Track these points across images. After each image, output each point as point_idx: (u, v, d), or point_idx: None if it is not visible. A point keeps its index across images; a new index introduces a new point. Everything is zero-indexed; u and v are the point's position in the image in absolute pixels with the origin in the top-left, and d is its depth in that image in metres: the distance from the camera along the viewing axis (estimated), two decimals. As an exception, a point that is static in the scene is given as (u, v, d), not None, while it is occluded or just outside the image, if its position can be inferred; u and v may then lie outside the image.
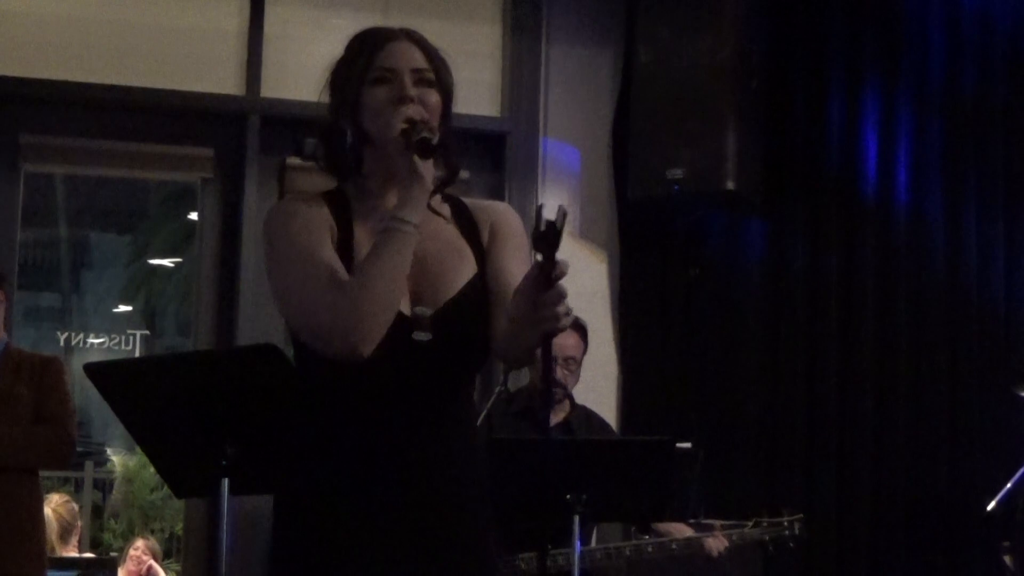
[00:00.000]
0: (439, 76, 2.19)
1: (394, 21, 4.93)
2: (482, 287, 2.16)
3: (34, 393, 4.03)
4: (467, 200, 2.30)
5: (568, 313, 1.90)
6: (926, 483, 5.17)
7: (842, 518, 5.08)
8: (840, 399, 5.16)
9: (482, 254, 2.19)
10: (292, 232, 2.13)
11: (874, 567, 5.09)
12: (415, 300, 2.14)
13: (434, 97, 2.17)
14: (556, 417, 4.14)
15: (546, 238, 1.82)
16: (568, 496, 3.46)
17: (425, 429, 2.12)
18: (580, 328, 4.19)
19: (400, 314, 2.09)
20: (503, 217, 2.25)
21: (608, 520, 4.30)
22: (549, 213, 1.83)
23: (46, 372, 4.09)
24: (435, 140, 2.09)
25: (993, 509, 4.57)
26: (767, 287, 5.20)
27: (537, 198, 5.16)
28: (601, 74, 5.30)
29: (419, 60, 2.17)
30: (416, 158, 2.08)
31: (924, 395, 5.21)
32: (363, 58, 2.18)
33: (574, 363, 4.12)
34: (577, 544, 3.48)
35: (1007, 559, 4.72)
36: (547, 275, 1.86)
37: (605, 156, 5.25)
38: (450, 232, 2.21)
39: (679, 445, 4.00)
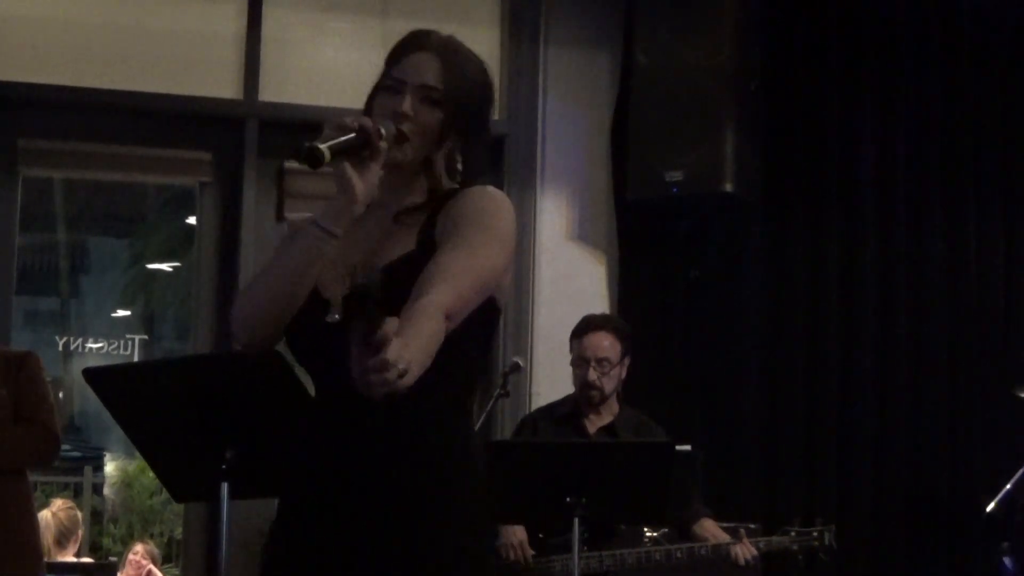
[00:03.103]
0: (451, 97, 2.12)
1: (392, 24, 5.02)
2: (414, 267, 2.03)
3: (11, 391, 3.92)
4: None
5: (402, 376, 1.71)
6: (926, 484, 5.18)
7: (843, 520, 5.03)
8: (840, 401, 5.17)
9: (427, 239, 2.10)
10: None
11: (875, 568, 5.09)
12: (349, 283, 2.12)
13: (431, 117, 2.11)
14: (602, 420, 4.14)
15: (354, 302, 1.64)
16: (568, 499, 3.46)
17: (352, 415, 2.04)
18: (616, 328, 4.17)
19: (320, 298, 2.08)
20: (456, 202, 2.13)
21: (608, 523, 4.29)
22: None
23: (22, 369, 3.97)
24: (325, 155, 1.98)
25: (993, 510, 4.58)
26: (766, 289, 5.20)
27: (536, 200, 5.17)
28: (600, 77, 5.30)
29: (432, 77, 2.12)
30: (346, 167, 2.02)
31: (924, 396, 5.22)
32: (388, 63, 2.17)
33: (608, 364, 4.08)
34: (576, 547, 3.47)
35: (1007, 560, 4.73)
36: (367, 341, 1.67)
37: (604, 158, 5.25)
38: (404, 218, 2.15)
39: (679, 448, 3.99)
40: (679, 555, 3.98)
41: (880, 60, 5.34)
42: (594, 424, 4.13)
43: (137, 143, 5.09)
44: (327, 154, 1.98)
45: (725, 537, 4.06)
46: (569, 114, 5.26)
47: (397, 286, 1.95)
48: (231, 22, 5.10)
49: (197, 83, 5.03)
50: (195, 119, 5.07)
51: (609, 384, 4.10)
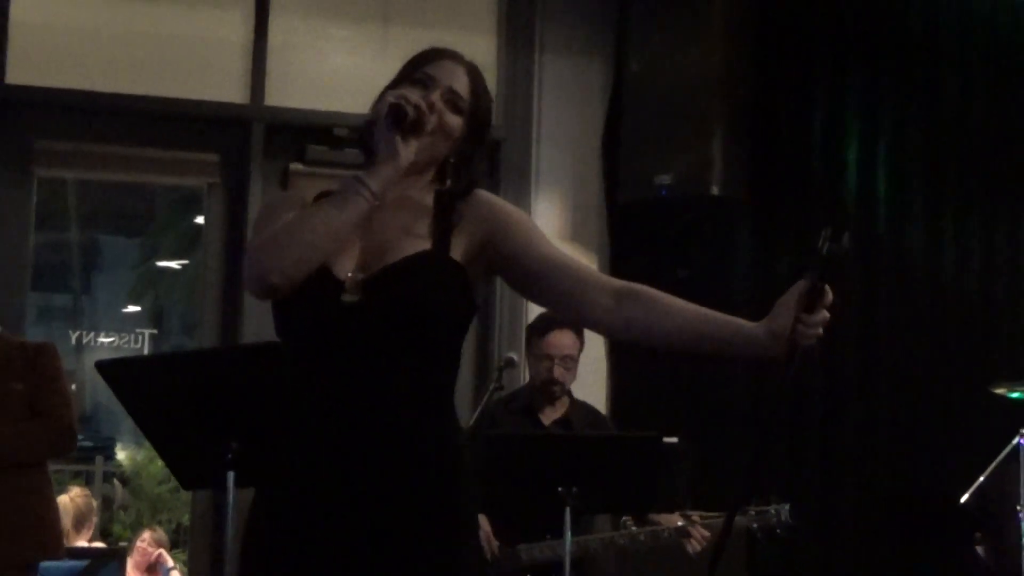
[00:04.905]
0: (473, 110, 2.21)
1: (393, 32, 5.11)
2: (432, 265, 2.11)
3: (29, 384, 3.87)
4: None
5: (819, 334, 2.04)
6: (908, 477, 5.21)
7: (825, 512, 5.12)
8: (824, 396, 5.21)
9: (443, 240, 2.16)
10: (264, 215, 2.21)
11: (857, 559, 5.13)
12: (360, 268, 2.12)
13: (451, 121, 2.18)
14: (556, 413, 4.17)
15: (829, 264, 1.96)
16: (559, 489, 3.51)
17: (361, 397, 2.06)
18: (575, 324, 4.17)
19: (333, 277, 2.08)
20: (488, 210, 2.21)
21: (597, 512, 4.33)
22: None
23: (39, 361, 3.92)
24: (413, 117, 2.08)
25: (967, 502, 4.58)
26: (753, 288, 5.22)
27: (531, 202, 5.21)
28: (593, 83, 5.33)
29: (462, 86, 2.20)
30: (397, 138, 2.09)
31: (905, 392, 5.26)
32: (413, 63, 2.23)
33: (571, 361, 4.14)
34: (568, 536, 3.51)
35: (979, 550, 4.76)
36: (815, 298, 2.01)
37: (596, 162, 5.29)
38: (415, 214, 2.18)
39: (666, 440, 4.02)
40: (642, 539, 3.98)
41: (865, 66, 5.37)
42: (549, 417, 4.16)
43: (147, 145, 5.15)
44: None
45: (677, 520, 4.03)
46: (563, 119, 5.30)
47: (414, 279, 2.09)
48: (238, 29, 5.15)
49: (205, 88, 5.08)
50: (203, 122, 5.11)
51: (570, 380, 4.15)
